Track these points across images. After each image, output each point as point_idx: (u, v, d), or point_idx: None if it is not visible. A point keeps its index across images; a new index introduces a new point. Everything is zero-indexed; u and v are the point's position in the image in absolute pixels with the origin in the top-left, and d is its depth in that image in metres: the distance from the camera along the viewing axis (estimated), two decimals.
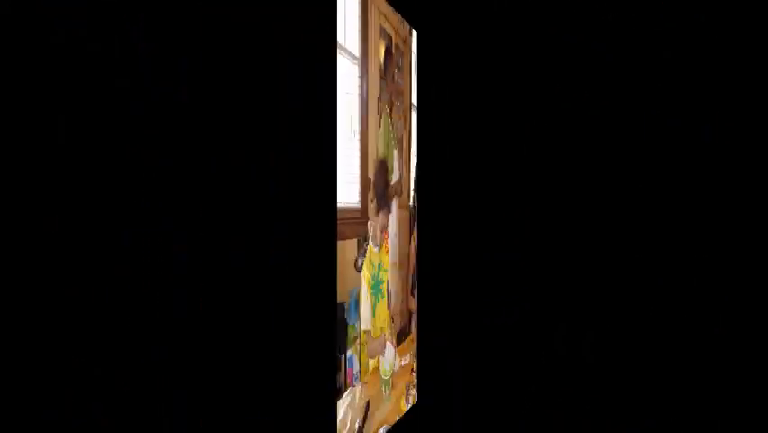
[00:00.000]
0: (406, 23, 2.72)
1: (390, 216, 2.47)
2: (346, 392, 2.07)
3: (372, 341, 2.32)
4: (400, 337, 2.74)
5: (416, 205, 3.02)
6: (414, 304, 3.03)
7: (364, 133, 2.20)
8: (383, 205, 2.36)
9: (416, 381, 2.91)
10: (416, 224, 3.06)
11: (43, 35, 0.83)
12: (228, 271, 1.23)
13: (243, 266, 1.31)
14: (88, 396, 0.93)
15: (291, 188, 1.45)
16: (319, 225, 1.80)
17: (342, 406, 2.01)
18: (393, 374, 2.56)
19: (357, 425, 2.12)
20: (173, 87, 1.12)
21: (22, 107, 0.83)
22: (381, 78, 2.36)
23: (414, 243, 3.04)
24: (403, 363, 2.74)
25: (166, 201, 1.08)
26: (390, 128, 2.50)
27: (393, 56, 2.43)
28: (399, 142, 2.67)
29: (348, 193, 2.04)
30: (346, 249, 1.98)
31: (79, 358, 0.93)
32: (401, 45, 2.67)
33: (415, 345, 2.95)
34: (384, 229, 2.38)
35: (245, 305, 1.36)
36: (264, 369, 1.45)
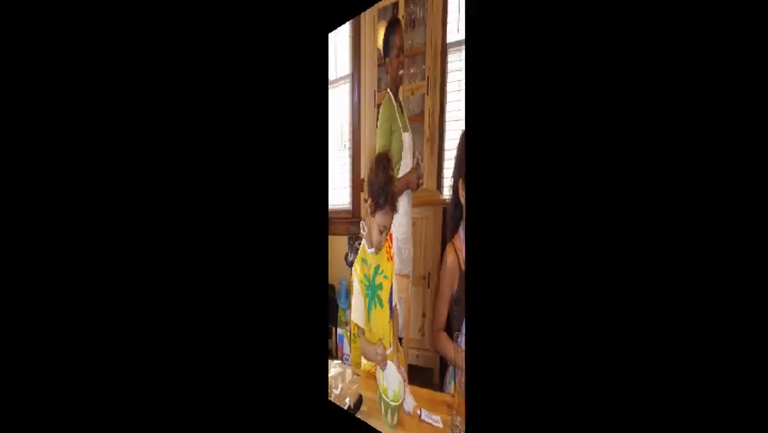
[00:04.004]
0: None
1: (396, 215, 2.04)
2: (337, 361, 2.41)
3: (366, 342, 2.21)
4: (416, 377, 1.86)
5: (459, 198, 1.69)
6: (452, 351, 1.61)
7: (356, 139, 2.41)
8: (382, 203, 2.11)
9: None
10: (460, 227, 1.67)
11: None
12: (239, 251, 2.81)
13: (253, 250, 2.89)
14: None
15: (294, 193, 2.74)
16: (313, 221, 2.72)
17: (332, 369, 2.46)
18: (403, 412, 1.94)
19: (348, 403, 2.37)
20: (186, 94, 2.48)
21: None
22: (379, 64, 2.25)
23: (455, 255, 1.67)
24: (424, 417, 1.79)
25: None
26: (398, 110, 1.77)
27: (401, 22, 1.93)
28: (417, 117, 1.96)
29: (341, 196, 2.32)
30: (336, 244, 2.43)
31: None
32: None
33: (454, 413, 1.65)
34: (384, 230, 2.12)
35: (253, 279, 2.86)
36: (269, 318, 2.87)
